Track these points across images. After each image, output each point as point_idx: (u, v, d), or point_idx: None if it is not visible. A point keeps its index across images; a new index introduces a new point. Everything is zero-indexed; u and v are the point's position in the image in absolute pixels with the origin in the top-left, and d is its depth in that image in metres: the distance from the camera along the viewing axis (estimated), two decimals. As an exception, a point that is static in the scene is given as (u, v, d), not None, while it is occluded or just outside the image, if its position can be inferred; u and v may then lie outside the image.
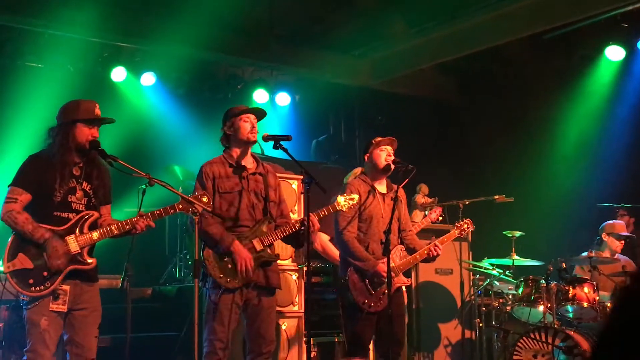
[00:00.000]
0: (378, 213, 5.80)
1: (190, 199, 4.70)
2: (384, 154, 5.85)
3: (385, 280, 5.49)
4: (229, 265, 5.03)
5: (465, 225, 6.35)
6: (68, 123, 4.58)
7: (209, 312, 5.05)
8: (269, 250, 5.21)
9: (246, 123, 5.24)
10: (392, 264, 5.66)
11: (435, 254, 5.89)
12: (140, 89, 10.00)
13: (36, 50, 8.91)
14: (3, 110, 8.65)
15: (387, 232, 5.34)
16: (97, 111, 4.66)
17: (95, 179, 4.70)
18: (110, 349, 6.51)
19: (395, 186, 5.93)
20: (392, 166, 5.83)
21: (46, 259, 4.42)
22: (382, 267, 5.59)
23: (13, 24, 8.61)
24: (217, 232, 5.04)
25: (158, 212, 4.66)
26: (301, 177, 6.59)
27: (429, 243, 5.99)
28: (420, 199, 8.34)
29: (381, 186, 5.95)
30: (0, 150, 8.33)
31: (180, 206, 4.68)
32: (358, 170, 6.48)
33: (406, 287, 7.56)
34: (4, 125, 8.52)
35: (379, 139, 5.92)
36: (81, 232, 4.54)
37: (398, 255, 5.84)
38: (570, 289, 7.13)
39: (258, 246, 5.15)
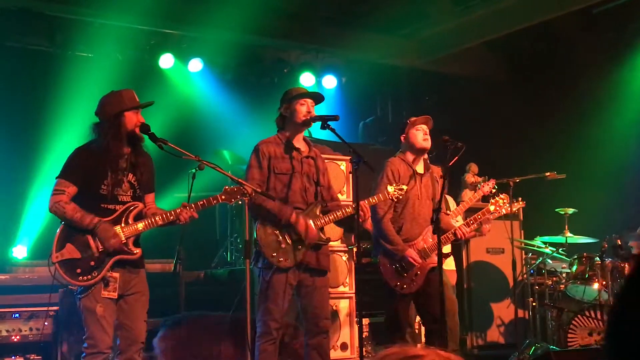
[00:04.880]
0: (414, 195, 5.78)
1: (239, 180, 4.74)
2: (421, 134, 5.82)
3: (414, 265, 5.61)
4: (282, 245, 5.05)
5: (502, 201, 6.18)
6: (117, 114, 4.61)
7: (262, 293, 5.06)
8: (320, 234, 5.22)
9: (303, 106, 5.24)
10: (423, 245, 5.71)
11: (462, 236, 5.88)
12: (188, 75, 10.10)
13: (86, 40, 9.04)
14: (55, 100, 8.78)
15: (437, 210, 5.31)
16: (137, 97, 4.74)
17: (140, 169, 4.74)
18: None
19: (432, 166, 5.94)
20: (429, 146, 5.82)
21: (99, 242, 4.47)
22: (410, 252, 5.61)
23: (63, 14, 8.76)
24: (274, 206, 5.06)
25: (201, 202, 4.67)
26: (349, 158, 6.60)
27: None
28: (470, 178, 8.27)
29: (419, 166, 5.92)
30: (52, 140, 8.47)
31: (223, 197, 4.70)
32: None
33: (457, 266, 7.54)
34: (56, 115, 8.65)
35: (414, 118, 5.89)
36: (126, 222, 4.59)
37: (429, 236, 5.79)
38: (626, 265, 7.01)
39: None
